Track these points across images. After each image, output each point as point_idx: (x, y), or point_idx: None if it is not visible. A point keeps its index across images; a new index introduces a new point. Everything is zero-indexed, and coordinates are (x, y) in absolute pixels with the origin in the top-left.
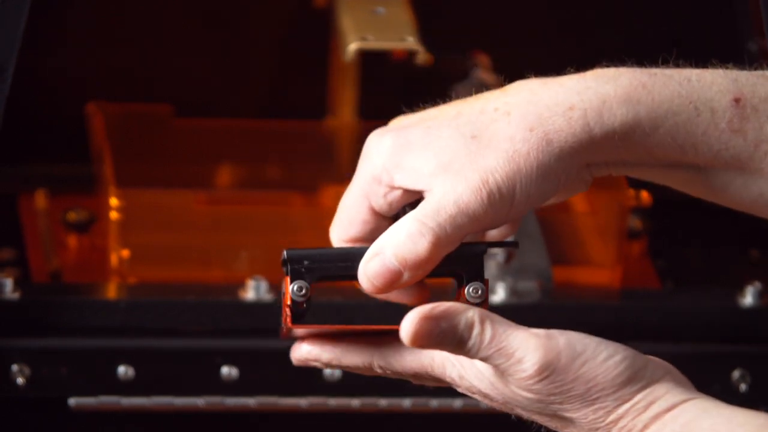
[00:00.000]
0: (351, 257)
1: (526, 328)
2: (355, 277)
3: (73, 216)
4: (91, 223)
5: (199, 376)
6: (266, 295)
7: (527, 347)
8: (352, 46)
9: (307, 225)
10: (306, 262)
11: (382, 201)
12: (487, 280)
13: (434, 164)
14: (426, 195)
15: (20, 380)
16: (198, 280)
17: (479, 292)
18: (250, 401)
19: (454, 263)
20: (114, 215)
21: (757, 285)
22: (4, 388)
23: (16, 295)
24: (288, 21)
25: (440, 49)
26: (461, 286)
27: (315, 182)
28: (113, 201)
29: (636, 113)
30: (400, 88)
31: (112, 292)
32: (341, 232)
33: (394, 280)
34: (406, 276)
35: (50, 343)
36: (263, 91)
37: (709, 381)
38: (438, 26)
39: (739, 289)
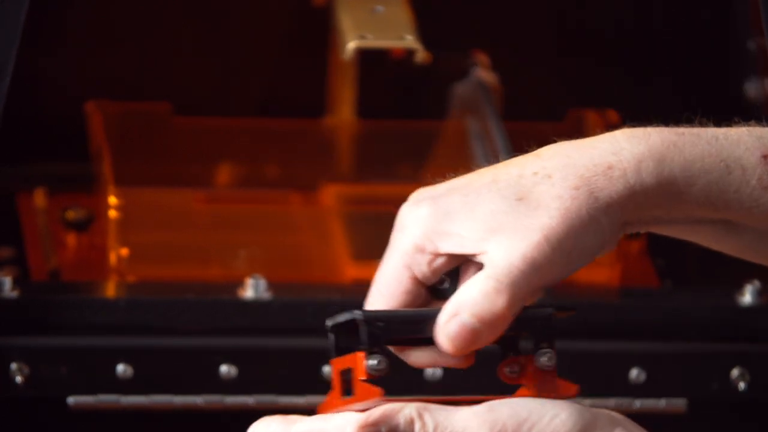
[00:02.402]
0: (422, 319)
1: (467, 407)
2: (428, 341)
3: (72, 215)
4: (90, 222)
5: (198, 374)
6: (265, 294)
7: (471, 427)
8: (351, 45)
9: (306, 224)
10: (380, 324)
11: (426, 269)
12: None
13: (483, 228)
14: (482, 258)
15: (19, 379)
16: (197, 278)
17: (552, 361)
18: (249, 400)
19: (522, 325)
20: (113, 214)
21: (756, 284)
22: (2, 386)
23: (14, 294)
24: (287, 19)
25: (439, 47)
26: (528, 352)
27: (314, 181)
28: (112, 200)
29: (671, 171)
30: (398, 87)
31: (111, 290)
32: (382, 305)
33: (474, 340)
34: (485, 335)
35: (49, 342)
36: (262, 90)
37: (708, 380)
38: (437, 25)
39: (738, 288)
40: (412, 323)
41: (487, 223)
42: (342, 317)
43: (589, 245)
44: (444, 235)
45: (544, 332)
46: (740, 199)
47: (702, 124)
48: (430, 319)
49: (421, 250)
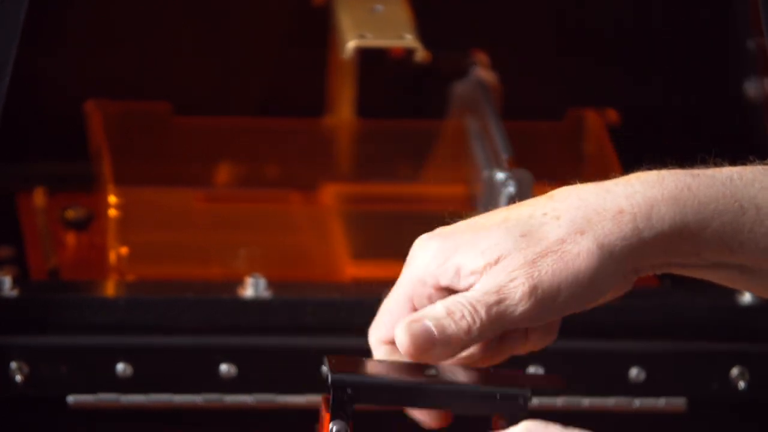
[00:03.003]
0: (394, 389)
1: None
2: (398, 407)
3: (71, 214)
4: (89, 221)
5: (197, 373)
6: (265, 293)
7: None
8: (351, 44)
9: (305, 223)
10: (348, 391)
11: (426, 302)
12: None
13: (482, 262)
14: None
15: (19, 378)
16: (197, 277)
17: None
18: (249, 399)
19: (497, 406)
20: (113, 213)
21: None
22: (2, 386)
23: (14, 293)
24: (286, 19)
25: (439, 47)
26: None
27: (314, 180)
28: (112, 199)
29: (683, 215)
30: (398, 87)
31: (110, 289)
32: (382, 333)
33: (429, 347)
34: (438, 348)
35: (49, 341)
36: (262, 89)
37: (708, 379)
38: (436, 24)
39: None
40: (383, 392)
41: (487, 257)
42: (326, 372)
43: (584, 293)
44: (446, 269)
45: (518, 416)
46: (755, 239)
47: (717, 164)
48: (403, 389)
49: (423, 283)
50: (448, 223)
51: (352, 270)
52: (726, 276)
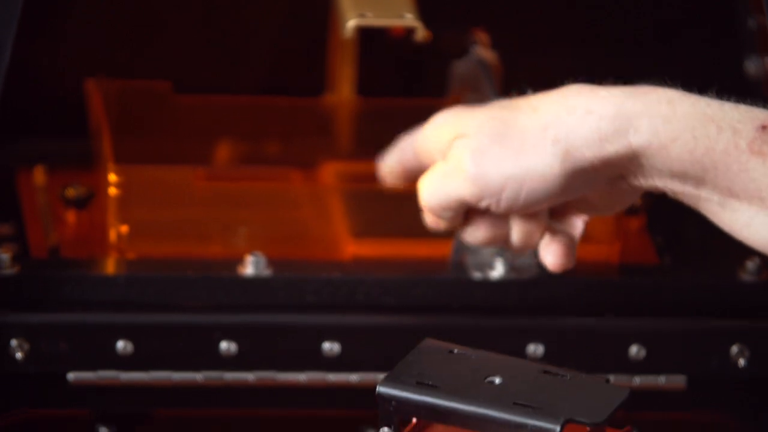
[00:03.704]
0: (435, 410)
1: None
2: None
3: (71, 192)
4: (89, 199)
5: (197, 351)
6: (265, 271)
7: None
8: (351, 23)
9: (306, 201)
10: (393, 404)
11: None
12: None
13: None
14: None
15: (19, 355)
16: (197, 255)
17: None
18: (249, 376)
19: None
20: (113, 191)
21: (756, 260)
22: (3, 362)
23: (14, 271)
24: None
25: (439, 25)
26: None
27: (314, 159)
28: (112, 177)
29: (654, 127)
30: (398, 65)
31: (110, 267)
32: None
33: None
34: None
35: (49, 318)
36: (262, 68)
37: (708, 356)
38: (437, 3)
39: (738, 265)
40: (422, 409)
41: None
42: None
43: (541, 186)
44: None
45: None
46: (727, 161)
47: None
48: (441, 411)
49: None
50: None
51: (352, 248)
52: (710, 208)
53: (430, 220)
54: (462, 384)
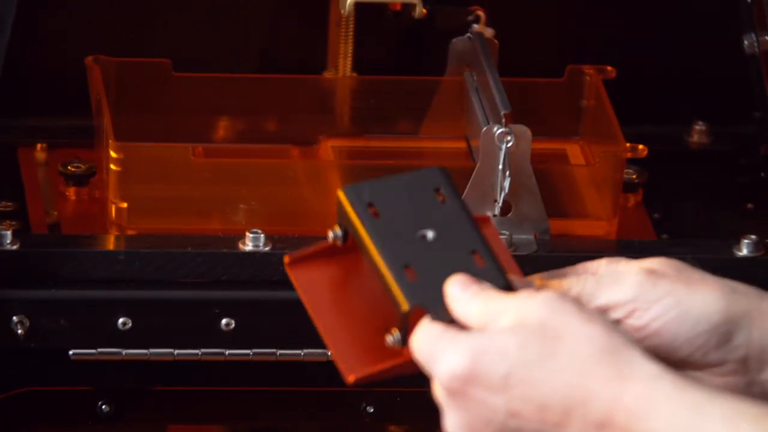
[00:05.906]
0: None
1: None
2: None
3: (72, 168)
4: (90, 176)
5: (197, 327)
6: (264, 247)
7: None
8: (350, 0)
9: (305, 178)
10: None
11: None
12: None
13: None
14: None
15: (20, 331)
16: (197, 231)
17: None
18: (249, 352)
19: None
20: (113, 168)
21: (753, 238)
22: (4, 339)
23: (15, 247)
24: None
25: (438, 2)
26: None
27: (313, 135)
28: (112, 153)
29: None
30: (397, 42)
31: (111, 243)
32: None
33: None
34: None
35: (50, 295)
36: (262, 45)
37: None
38: None
39: (735, 242)
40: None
41: None
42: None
43: None
44: None
45: None
46: None
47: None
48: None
49: None
50: None
51: None
52: None
53: None
54: (397, 225)
